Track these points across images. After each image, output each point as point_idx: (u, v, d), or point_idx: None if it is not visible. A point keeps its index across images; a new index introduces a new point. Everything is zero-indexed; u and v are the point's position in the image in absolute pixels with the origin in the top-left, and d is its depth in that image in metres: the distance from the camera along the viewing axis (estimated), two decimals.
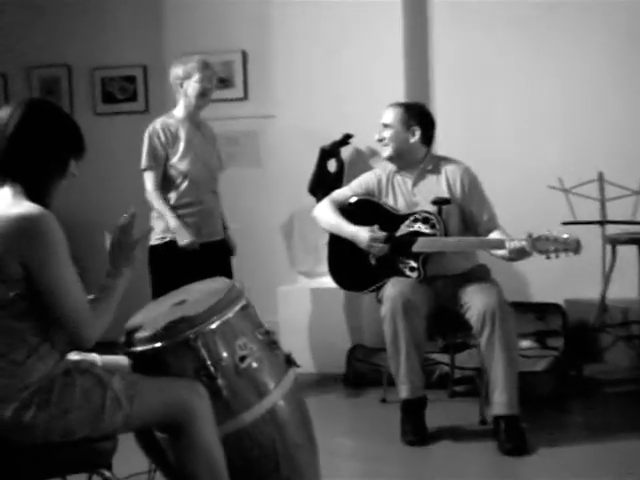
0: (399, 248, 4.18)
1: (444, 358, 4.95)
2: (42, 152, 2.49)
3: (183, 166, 4.60)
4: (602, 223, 5.00)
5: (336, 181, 5.33)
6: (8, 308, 2.40)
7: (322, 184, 5.42)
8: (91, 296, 2.57)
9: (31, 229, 2.37)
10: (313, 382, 5.14)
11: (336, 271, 4.45)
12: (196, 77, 4.60)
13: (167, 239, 4.61)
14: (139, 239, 2.66)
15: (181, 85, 4.65)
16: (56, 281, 2.39)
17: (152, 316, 2.80)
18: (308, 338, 5.44)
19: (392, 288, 4.09)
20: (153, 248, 4.55)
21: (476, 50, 5.71)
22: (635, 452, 3.88)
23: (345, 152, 5.66)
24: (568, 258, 3.83)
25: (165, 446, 2.66)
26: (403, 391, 4.12)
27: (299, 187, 5.59)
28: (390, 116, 4.29)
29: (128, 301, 2.83)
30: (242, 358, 2.68)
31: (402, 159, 4.30)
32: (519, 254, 3.90)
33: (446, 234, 4.12)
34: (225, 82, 6.21)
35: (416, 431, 4.09)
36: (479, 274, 4.23)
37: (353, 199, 4.39)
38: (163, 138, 4.61)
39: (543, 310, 5.28)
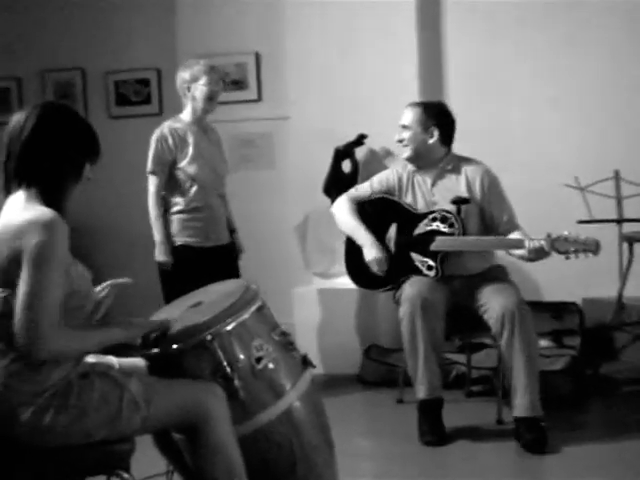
0: (417, 246, 4.17)
1: (460, 358, 4.94)
2: (57, 156, 2.48)
3: (192, 170, 4.60)
4: (619, 221, 4.98)
5: (351, 181, 5.32)
6: None
7: (337, 185, 5.42)
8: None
9: (37, 230, 2.36)
10: (329, 383, 5.13)
11: (353, 269, 4.45)
12: (203, 80, 4.60)
13: (177, 243, 4.62)
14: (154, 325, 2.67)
15: (188, 89, 4.64)
16: (36, 282, 2.32)
17: (168, 318, 2.80)
18: (324, 339, 5.43)
19: (410, 288, 4.08)
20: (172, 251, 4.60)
21: (491, 50, 5.69)
22: None
23: (359, 152, 5.66)
24: (585, 257, 3.81)
25: (182, 447, 2.66)
26: (421, 391, 4.11)
27: (313, 188, 5.59)
28: (409, 117, 4.28)
29: (140, 303, 2.85)
30: (258, 359, 2.68)
31: (421, 159, 4.29)
32: (538, 254, 3.89)
33: (464, 233, 4.11)
34: (239, 84, 6.22)
35: (434, 431, 4.08)
36: (497, 274, 4.21)
37: (371, 197, 4.38)
38: (171, 142, 4.60)
39: (560, 309, 5.27)
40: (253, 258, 4.92)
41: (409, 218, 4.24)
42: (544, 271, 5.09)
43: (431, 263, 4.14)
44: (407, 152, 4.29)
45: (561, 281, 5.39)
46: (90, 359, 2.67)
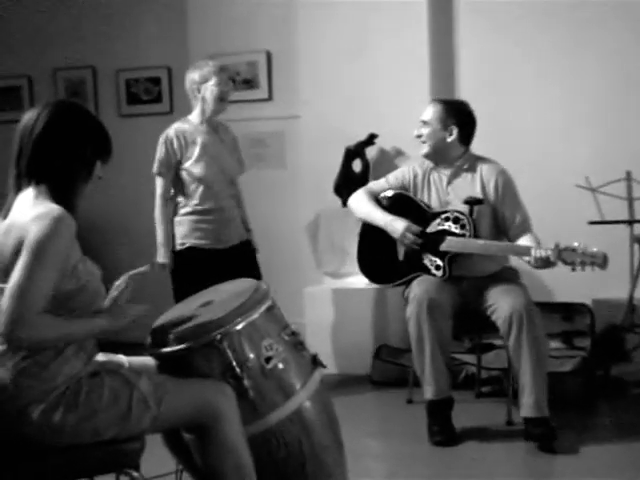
0: (427, 245, 4.17)
1: (470, 358, 4.93)
2: (68, 154, 2.49)
3: (197, 170, 4.57)
4: (630, 222, 4.96)
5: (361, 181, 5.31)
6: None
7: (347, 184, 5.42)
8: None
9: (40, 222, 2.36)
10: (339, 383, 5.14)
11: (364, 263, 4.45)
12: (213, 81, 4.58)
13: (187, 245, 4.61)
14: (133, 311, 2.60)
15: (198, 90, 4.61)
16: (28, 267, 2.32)
17: (178, 317, 2.80)
18: (334, 339, 5.43)
19: (417, 288, 4.08)
20: (174, 254, 4.59)
21: (502, 50, 5.67)
22: None
23: (370, 152, 5.65)
24: (591, 269, 3.81)
25: (192, 447, 2.66)
26: (428, 392, 4.11)
27: (324, 187, 5.59)
28: (429, 113, 4.27)
29: (150, 303, 2.84)
30: (268, 359, 2.68)
31: (439, 157, 4.28)
32: (544, 263, 3.86)
33: (476, 235, 4.10)
34: (250, 83, 6.22)
35: (443, 431, 4.07)
36: (507, 276, 4.20)
37: (388, 193, 4.38)
38: (176, 144, 4.59)
39: (570, 310, 5.25)
40: (264, 257, 4.91)
41: (422, 216, 4.23)
42: (555, 272, 5.05)
43: (439, 263, 4.13)
44: (425, 148, 4.28)
45: (572, 282, 5.35)
46: (100, 358, 2.68)
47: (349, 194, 4.59)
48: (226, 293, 2.91)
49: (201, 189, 4.59)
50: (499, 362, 4.74)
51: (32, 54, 6.73)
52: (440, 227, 4.16)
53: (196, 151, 4.58)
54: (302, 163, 5.90)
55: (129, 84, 6.62)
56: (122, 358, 2.78)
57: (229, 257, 4.63)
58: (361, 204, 4.38)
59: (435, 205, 4.25)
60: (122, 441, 2.48)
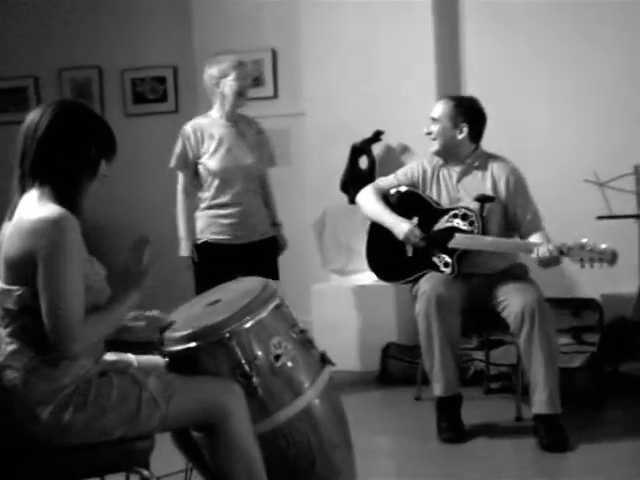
0: (436, 242, 4.16)
1: (479, 355, 4.92)
2: (72, 153, 2.47)
3: (212, 164, 4.58)
4: (638, 217, 4.95)
5: (368, 178, 5.31)
6: (39, 312, 2.38)
7: (354, 181, 5.42)
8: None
9: (46, 228, 2.36)
10: (348, 380, 5.13)
11: (373, 260, 4.44)
12: (232, 76, 4.58)
13: (203, 240, 4.63)
14: (149, 266, 2.59)
15: (217, 85, 4.61)
16: (54, 281, 2.34)
17: (186, 316, 2.80)
18: (342, 336, 5.42)
19: (426, 285, 4.07)
20: (196, 248, 4.62)
21: (508, 46, 5.66)
22: None
23: (376, 149, 5.65)
24: (600, 266, 3.80)
25: (201, 445, 2.66)
26: (437, 389, 4.10)
27: (331, 185, 5.59)
28: (439, 110, 4.25)
29: (159, 300, 2.84)
30: (277, 357, 2.67)
31: (449, 154, 4.27)
32: (552, 260, 3.85)
33: (484, 233, 4.08)
34: (255, 80, 6.20)
35: (452, 428, 4.07)
36: (516, 273, 4.19)
37: (396, 189, 4.37)
38: (193, 140, 4.61)
39: (579, 306, 5.24)
40: None
41: (431, 212, 4.22)
42: (563, 268, 5.06)
43: (448, 260, 4.12)
44: (435, 146, 4.26)
45: (580, 278, 5.36)
46: (109, 357, 2.68)
47: (355, 191, 4.58)
48: (234, 292, 2.90)
49: (216, 183, 4.60)
50: (508, 358, 4.73)
51: (38, 54, 6.74)
52: (448, 224, 4.15)
53: (212, 145, 4.60)
54: (308, 160, 5.90)
55: (135, 83, 6.62)
56: (131, 357, 2.77)
57: (247, 253, 4.63)
58: (369, 202, 4.37)
59: (444, 202, 4.24)
60: (132, 440, 2.48)
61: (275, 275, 4.64)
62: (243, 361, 2.62)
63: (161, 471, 2.83)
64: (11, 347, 2.44)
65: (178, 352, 2.65)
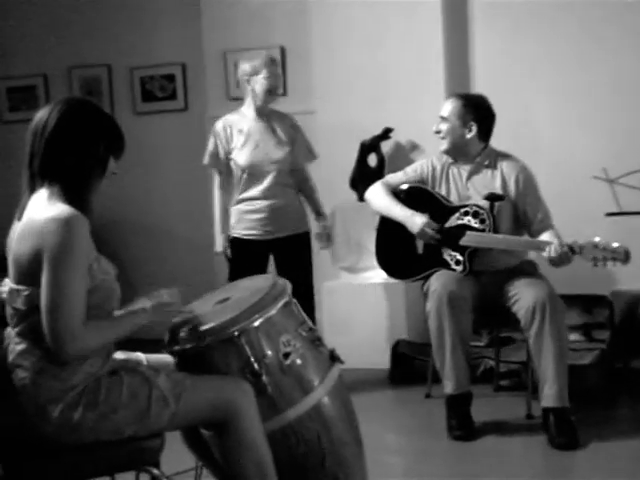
0: (447, 240, 4.15)
1: (489, 352, 4.91)
2: (81, 151, 2.47)
3: (241, 159, 4.63)
4: None
5: (377, 175, 5.29)
6: None
7: (363, 179, 5.41)
8: (121, 311, 2.57)
9: (56, 228, 2.36)
10: (357, 378, 5.12)
11: (383, 257, 4.44)
12: (263, 73, 4.61)
13: (234, 235, 4.71)
14: (175, 309, 2.64)
15: (248, 82, 4.66)
16: (57, 281, 2.34)
17: (196, 314, 2.80)
18: (351, 334, 5.41)
19: (437, 282, 4.07)
20: (230, 243, 4.71)
21: (517, 44, 5.64)
22: None
23: (385, 146, 5.64)
24: (613, 265, 3.79)
25: (211, 443, 2.67)
26: (448, 387, 4.10)
27: (340, 182, 5.58)
28: (448, 109, 4.24)
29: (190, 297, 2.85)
30: (286, 355, 2.67)
31: (458, 153, 4.26)
32: (563, 258, 3.84)
33: (495, 230, 4.08)
34: None
35: (462, 426, 4.06)
36: (527, 270, 4.18)
37: (405, 186, 4.36)
38: (223, 136, 4.68)
39: (589, 302, 5.22)
40: None
41: (441, 210, 4.21)
42: (573, 264, 5.04)
43: (459, 258, 4.12)
44: (444, 144, 4.26)
45: (590, 274, 5.33)
46: (119, 355, 2.68)
47: (365, 188, 4.57)
48: (243, 289, 2.91)
49: (245, 177, 4.65)
50: (518, 355, 4.72)
51: (47, 53, 6.75)
52: (459, 221, 4.15)
53: (241, 140, 4.65)
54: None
55: (144, 81, 6.62)
56: (140, 356, 2.78)
57: (278, 249, 4.69)
58: (379, 197, 4.36)
59: (454, 200, 4.23)
60: (142, 439, 2.48)
61: (306, 272, 4.68)
62: (252, 359, 2.63)
63: (171, 470, 2.83)
64: (20, 346, 2.44)
65: (187, 350, 2.65)
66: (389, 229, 4.35)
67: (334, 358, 2.83)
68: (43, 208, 2.42)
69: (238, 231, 4.69)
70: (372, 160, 5.61)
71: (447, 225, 4.17)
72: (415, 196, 4.32)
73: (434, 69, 5.56)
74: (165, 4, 6.52)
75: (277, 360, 2.66)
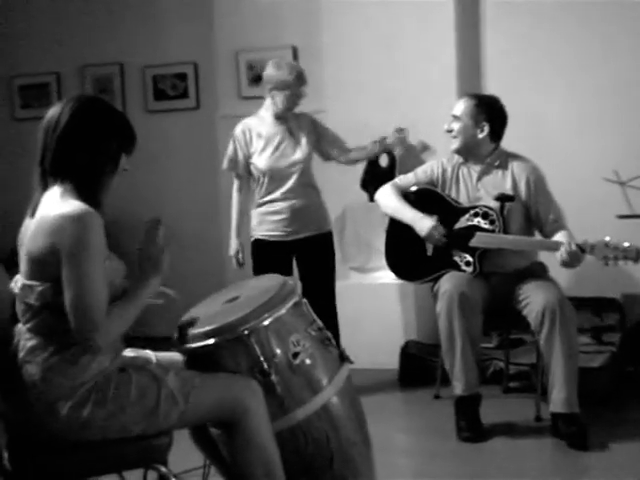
0: (457, 241, 4.14)
1: (498, 354, 4.90)
2: (93, 148, 2.48)
3: (260, 162, 4.65)
4: None
5: (388, 176, 5.28)
6: (60, 307, 2.40)
7: (374, 179, 5.39)
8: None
9: (70, 225, 2.36)
10: (366, 378, 5.11)
11: (392, 259, 4.44)
12: (288, 92, 4.61)
13: (254, 237, 4.74)
14: (164, 247, 2.60)
15: (270, 90, 4.65)
16: (79, 277, 2.35)
17: (204, 313, 2.81)
18: (360, 334, 5.41)
19: (447, 283, 4.06)
20: (251, 245, 4.76)
21: (528, 44, 5.62)
22: None
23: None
24: (624, 264, 3.79)
25: (219, 442, 2.66)
26: (457, 388, 4.09)
27: (350, 182, 5.57)
28: (460, 108, 4.24)
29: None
30: (295, 354, 2.67)
31: (469, 153, 4.26)
32: (575, 258, 3.83)
33: (505, 231, 4.07)
34: None
35: (471, 427, 4.05)
36: (536, 272, 4.18)
37: (415, 188, 4.36)
38: (242, 140, 4.69)
39: (599, 305, 5.21)
40: None
41: (451, 211, 4.21)
42: (583, 266, 5.03)
43: (469, 259, 4.11)
44: (455, 144, 4.26)
45: (601, 277, 5.32)
46: (128, 353, 2.68)
47: (375, 189, 4.57)
48: (253, 289, 2.91)
49: (266, 180, 4.67)
50: (527, 357, 4.71)
51: (60, 51, 6.76)
52: (469, 223, 4.14)
53: (260, 144, 4.66)
54: None
55: (156, 80, 6.63)
56: (149, 354, 2.78)
57: (301, 249, 4.70)
58: (389, 200, 4.36)
59: (464, 201, 4.23)
60: (150, 436, 2.49)
61: (328, 276, 4.73)
62: (262, 358, 2.63)
63: (179, 468, 2.83)
64: (31, 343, 2.45)
65: (196, 349, 2.65)
66: (399, 231, 4.35)
67: (343, 358, 2.83)
68: (56, 205, 2.42)
69: (260, 233, 4.72)
70: (383, 160, 5.61)
71: (457, 226, 4.17)
72: (425, 198, 4.31)
73: (446, 69, 5.55)
74: (177, 3, 6.53)
75: (286, 359, 2.66)
